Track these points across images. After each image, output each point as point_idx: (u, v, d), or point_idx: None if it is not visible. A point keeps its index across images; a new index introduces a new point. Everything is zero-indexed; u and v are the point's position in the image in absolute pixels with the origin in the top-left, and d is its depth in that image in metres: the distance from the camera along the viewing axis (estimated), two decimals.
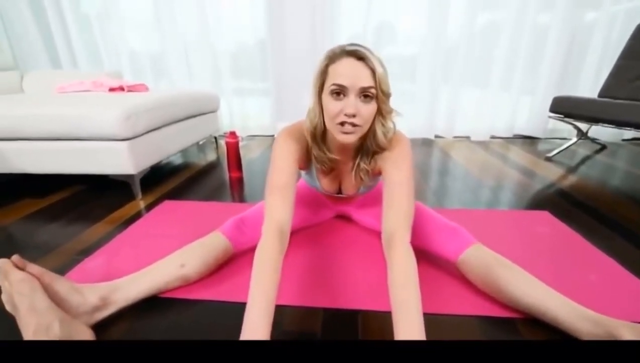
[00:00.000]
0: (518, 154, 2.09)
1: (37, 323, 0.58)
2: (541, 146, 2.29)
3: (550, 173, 1.69)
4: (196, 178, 1.67)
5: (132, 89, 1.76)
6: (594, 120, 1.68)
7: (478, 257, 0.74)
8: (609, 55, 2.15)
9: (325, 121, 0.70)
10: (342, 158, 0.80)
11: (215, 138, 2.29)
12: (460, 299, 0.75)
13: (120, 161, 1.29)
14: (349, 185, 0.88)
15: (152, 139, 1.42)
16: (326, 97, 0.67)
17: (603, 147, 2.20)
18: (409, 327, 0.52)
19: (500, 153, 2.12)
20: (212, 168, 1.84)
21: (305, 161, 0.82)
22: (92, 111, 1.24)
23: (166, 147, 1.55)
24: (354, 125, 0.66)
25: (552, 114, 1.88)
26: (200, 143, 2.32)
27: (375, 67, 0.63)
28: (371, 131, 0.72)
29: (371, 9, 2.29)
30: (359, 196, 0.99)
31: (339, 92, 0.64)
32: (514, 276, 0.70)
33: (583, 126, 1.99)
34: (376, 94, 0.65)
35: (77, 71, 2.46)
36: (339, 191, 0.92)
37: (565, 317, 0.62)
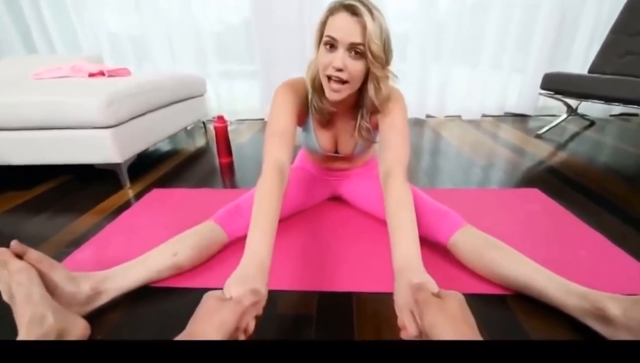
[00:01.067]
0: (509, 132, 2.09)
1: (31, 314, 0.57)
2: (532, 124, 2.30)
3: (541, 150, 1.70)
4: (185, 164, 1.63)
5: (113, 73, 1.69)
6: (583, 96, 1.68)
7: (467, 239, 0.75)
8: (599, 30, 2.14)
9: (320, 75, 0.71)
10: (339, 111, 0.83)
11: (204, 122, 2.24)
12: (452, 278, 0.76)
13: (104, 149, 1.25)
14: (346, 142, 0.89)
15: (137, 126, 1.37)
16: (321, 48, 0.68)
17: (592, 123, 2.22)
18: (404, 245, 0.55)
19: (491, 132, 2.12)
20: (201, 153, 1.81)
21: (303, 115, 0.84)
22: (71, 97, 1.19)
23: (152, 134, 1.51)
24: (341, 81, 0.67)
25: (542, 91, 1.88)
26: (189, 128, 2.28)
27: (367, 24, 0.62)
28: (365, 91, 0.73)
29: None
30: (356, 159, 0.99)
31: (332, 44, 0.65)
32: (503, 256, 0.71)
33: (573, 102, 2.00)
34: (364, 52, 0.64)
35: (54, 55, 2.35)
36: (336, 151, 0.93)
37: (554, 293, 0.64)
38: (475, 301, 0.71)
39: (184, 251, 0.76)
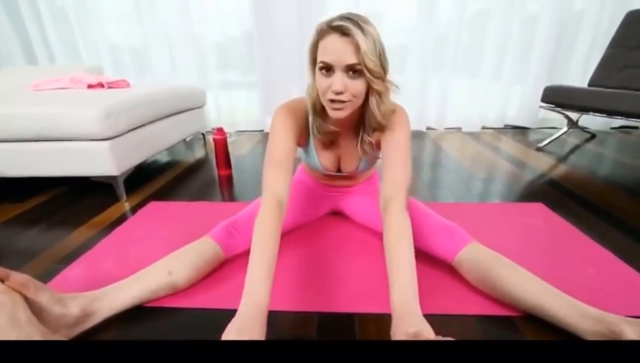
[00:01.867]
0: (509, 145, 2.08)
1: (17, 337, 0.54)
2: (532, 136, 2.30)
3: (542, 163, 1.69)
4: (184, 176, 1.61)
5: (112, 85, 1.68)
6: (584, 109, 1.67)
7: (474, 256, 0.73)
8: (598, 43, 2.15)
9: (320, 97, 0.70)
10: (342, 130, 0.81)
11: (203, 134, 2.23)
12: (458, 298, 0.73)
13: (101, 162, 1.23)
14: (349, 160, 0.87)
15: (134, 138, 1.36)
16: (317, 73, 0.66)
17: (592, 136, 2.21)
18: (402, 286, 0.55)
19: (491, 144, 2.12)
20: (200, 165, 1.79)
21: (304, 136, 0.82)
22: (69, 109, 1.17)
23: (150, 146, 1.49)
24: (342, 101, 0.65)
25: (543, 104, 1.88)
26: (188, 139, 2.26)
27: (359, 44, 0.59)
28: (367, 107, 0.71)
29: (366, 11, 2.24)
30: (358, 177, 0.97)
31: (328, 68, 0.64)
32: (512, 274, 0.68)
33: (573, 115, 2.00)
34: (362, 70, 0.62)
35: (53, 66, 2.35)
36: (338, 170, 0.90)
37: (566, 316, 0.61)
38: (482, 322, 0.69)
39: (179, 270, 0.73)
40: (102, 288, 0.69)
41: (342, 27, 0.60)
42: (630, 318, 0.57)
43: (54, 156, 1.24)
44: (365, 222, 0.99)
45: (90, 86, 1.60)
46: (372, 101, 0.69)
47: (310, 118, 0.78)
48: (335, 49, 0.61)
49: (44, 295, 0.62)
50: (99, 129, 1.17)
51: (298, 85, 2.29)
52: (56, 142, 1.22)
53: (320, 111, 0.75)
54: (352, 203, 1.02)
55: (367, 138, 0.77)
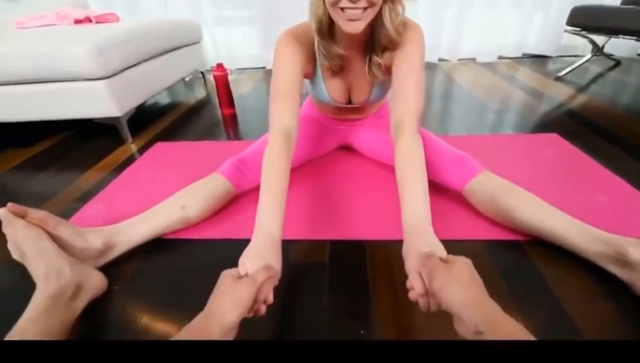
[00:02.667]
0: (526, 75, 1.96)
1: (47, 267, 0.57)
2: (551, 66, 2.15)
3: (560, 93, 1.60)
4: (187, 117, 1.57)
5: (100, 20, 1.56)
6: (615, 32, 1.53)
7: (485, 185, 0.72)
8: None
9: (328, 10, 0.61)
10: (352, 53, 0.74)
11: (202, 73, 2.13)
12: (467, 225, 0.74)
13: (101, 102, 1.19)
14: (360, 89, 0.82)
15: (131, 76, 1.29)
16: None
17: (617, 63, 2.06)
18: (413, 206, 0.54)
19: (507, 75, 1.99)
20: (202, 105, 1.74)
21: (310, 65, 0.76)
22: (58, 47, 1.11)
23: (149, 85, 1.43)
24: (362, 8, 0.57)
25: (568, 28, 1.71)
26: (187, 79, 2.17)
27: None
28: (379, 19, 0.63)
29: None
30: (369, 109, 0.93)
31: None
32: (522, 200, 0.68)
33: (600, 40, 1.83)
34: None
35: (36, 1, 2.17)
36: (348, 102, 0.86)
37: (574, 238, 0.62)
38: (490, 247, 0.70)
39: (192, 205, 0.75)
40: (119, 223, 0.71)
41: None
42: (637, 240, 0.58)
43: (52, 99, 1.21)
44: (375, 155, 0.98)
45: (77, 21, 1.49)
46: (385, 10, 0.61)
47: (316, 42, 0.71)
48: None
49: (65, 229, 0.64)
50: (92, 67, 1.11)
51: (299, 18, 2.09)
52: (51, 83, 1.18)
53: (327, 31, 0.67)
54: (362, 136, 0.99)
55: (376, 59, 0.71)
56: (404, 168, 0.59)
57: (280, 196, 0.57)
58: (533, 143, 1.11)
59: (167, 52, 1.58)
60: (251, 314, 0.44)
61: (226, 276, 0.45)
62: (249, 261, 0.47)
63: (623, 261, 0.56)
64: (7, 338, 0.47)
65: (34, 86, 1.19)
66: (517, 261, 0.65)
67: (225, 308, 0.41)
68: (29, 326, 0.49)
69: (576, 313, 0.55)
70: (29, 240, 0.59)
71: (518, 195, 0.69)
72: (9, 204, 0.61)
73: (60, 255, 0.60)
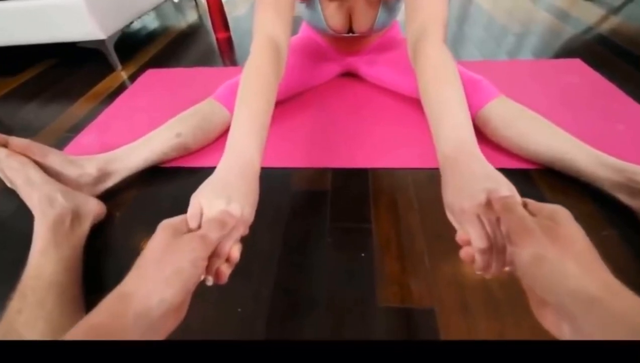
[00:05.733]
0: None
1: (38, 196, 0.57)
2: None
3: (589, 15, 1.43)
4: (178, 42, 1.45)
5: None
6: None
7: (500, 110, 0.67)
8: None
9: None
10: None
11: None
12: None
13: (83, 23, 1.09)
14: (362, 15, 0.72)
15: None
16: None
17: None
18: (453, 125, 0.40)
19: None
20: (194, 30, 1.59)
21: None
22: None
23: (133, 4, 1.29)
24: None
25: None
26: (176, 0, 1.97)
27: None
28: None
29: None
30: (373, 37, 0.85)
31: None
32: (536, 126, 0.65)
33: None
34: None
35: None
36: (349, 30, 0.77)
37: (586, 164, 0.59)
38: None
39: (187, 131, 0.71)
40: (115, 150, 0.69)
41: None
42: None
43: (30, 19, 1.11)
44: (384, 83, 0.91)
45: None
46: None
47: None
48: None
49: (55, 158, 0.62)
50: None
51: None
52: (25, 1, 1.06)
53: None
54: (367, 62, 0.91)
55: None
56: (434, 81, 0.46)
57: (261, 113, 0.44)
58: (553, 69, 1.02)
59: None
60: (210, 280, 0.32)
61: (163, 231, 0.30)
62: (206, 201, 0.33)
63: (636, 189, 0.54)
64: (26, 273, 0.47)
65: (9, 3, 1.07)
66: (523, 190, 0.63)
67: (152, 286, 0.26)
68: (43, 260, 0.49)
69: None
70: (14, 170, 0.58)
71: (533, 120, 0.65)
72: None
73: (49, 183, 0.59)
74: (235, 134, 0.41)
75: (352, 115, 0.86)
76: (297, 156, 0.73)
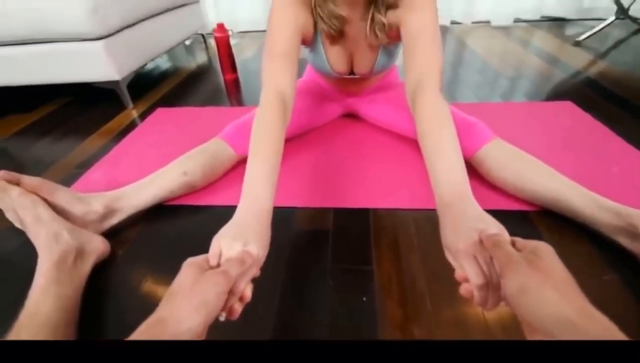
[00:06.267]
0: (543, 40, 1.86)
1: (45, 233, 0.58)
2: (571, 30, 2.02)
3: (578, 60, 1.51)
4: (188, 82, 1.53)
5: None
6: None
7: (497, 152, 0.70)
8: None
9: None
10: (353, 15, 0.69)
11: (203, 36, 2.05)
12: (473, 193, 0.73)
13: (100, 65, 1.16)
14: (362, 58, 0.77)
15: (129, 37, 1.24)
16: None
17: None
18: (448, 169, 0.45)
19: (523, 39, 1.89)
20: (203, 70, 1.68)
21: (309, 29, 0.70)
22: (54, 3, 1.05)
23: (148, 47, 1.37)
24: None
25: None
26: (187, 43, 2.10)
27: None
28: None
29: None
30: (373, 80, 0.89)
31: None
32: (532, 168, 0.66)
33: (625, 1, 1.71)
34: None
35: None
36: (351, 72, 0.81)
37: (585, 208, 0.60)
38: (496, 217, 0.69)
39: (194, 170, 0.74)
40: (122, 188, 0.71)
41: None
42: None
43: (50, 61, 1.17)
44: (383, 124, 0.95)
45: None
46: None
47: (314, 2, 0.66)
48: None
49: (62, 195, 0.64)
50: (89, 25, 1.06)
51: None
52: (48, 44, 1.14)
53: None
54: (370, 102, 0.95)
55: (379, 18, 0.66)
56: (430, 129, 0.51)
57: (271, 161, 0.49)
58: (546, 111, 1.07)
59: (166, 11, 1.51)
60: (223, 316, 0.34)
61: (189, 267, 0.35)
62: (225, 243, 0.38)
63: (635, 233, 0.55)
64: (24, 310, 0.47)
65: (31, 47, 1.15)
66: (523, 232, 0.64)
67: (182, 316, 0.30)
68: (42, 298, 0.49)
69: (579, 284, 0.54)
70: (25, 208, 0.59)
71: (528, 163, 0.67)
72: (2, 172, 0.61)
73: (57, 220, 0.60)
74: (249, 181, 0.47)
75: (353, 155, 0.89)
76: (299, 195, 0.75)
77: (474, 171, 0.75)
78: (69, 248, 0.57)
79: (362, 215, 0.70)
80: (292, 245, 0.64)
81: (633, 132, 0.92)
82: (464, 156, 0.73)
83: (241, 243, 0.38)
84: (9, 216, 0.63)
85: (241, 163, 0.83)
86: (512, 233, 0.64)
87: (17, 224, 0.63)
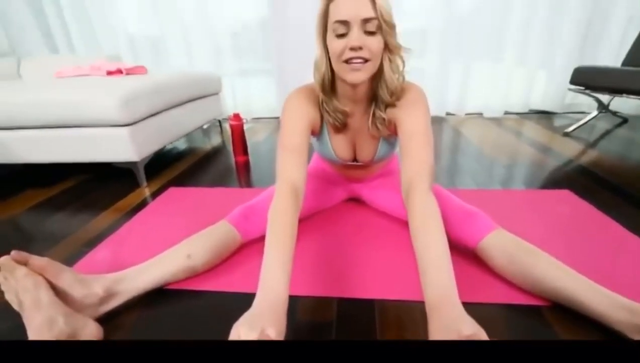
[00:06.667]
0: (534, 131, 2.00)
1: (41, 318, 0.56)
2: (558, 122, 2.19)
3: (569, 149, 1.61)
4: (201, 163, 1.63)
5: (130, 72, 1.70)
6: (618, 91, 1.58)
7: (500, 243, 0.70)
8: (634, 22, 2.01)
9: (333, 64, 0.67)
10: (355, 110, 0.77)
11: (220, 121, 2.24)
12: (481, 286, 0.71)
13: (122, 147, 1.25)
14: (364, 147, 0.84)
15: (153, 124, 1.37)
16: (330, 38, 0.64)
17: (624, 120, 2.09)
18: (435, 273, 0.49)
19: (515, 130, 2.03)
20: (217, 152, 1.80)
21: (317, 122, 0.79)
22: (89, 96, 1.19)
23: (169, 132, 1.50)
24: (362, 60, 0.63)
25: (572, 86, 1.78)
26: (205, 126, 2.28)
27: None
28: (380, 73, 0.69)
29: None
30: (375, 167, 0.94)
31: (342, 32, 0.62)
32: (539, 262, 0.65)
33: (605, 98, 1.89)
34: (379, 25, 0.61)
35: (75, 55, 2.40)
36: (354, 159, 0.88)
37: (598, 306, 0.58)
38: (507, 311, 0.66)
39: (198, 253, 0.74)
40: (124, 270, 0.71)
41: None
42: None
43: (77, 143, 1.27)
44: (385, 209, 0.98)
45: (109, 73, 1.63)
46: (386, 63, 0.67)
47: (320, 98, 0.75)
48: (350, 4, 0.60)
49: (65, 277, 0.63)
50: (118, 115, 1.18)
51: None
52: (78, 128, 1.25)
53: (329, 88, 0.72)
54: (371, 190, 1.00)
55: (379, 113, 0.74)
56: (420, 230, 0.56)
57: (286, 251, 0.54)
58: (545, 200, 1.10)
59: (188, 101, 1.69)
60: None
61: None
62: (244, 331, 0.41)
63: None
64: None
65: (62, 131, 1.26)
66: (537, 329, 0.61)
67: None
68: None
69: None
70: (27, 291, 0.59)
71: (535, 255, 0.67)
72: (13, 253, 0.62)
73: (55, 305, 0.59)
74: (266, 272, 0.51)
75: (357, 241, 0.90)
76: (301, 283, 0.74)
77: (479, 261, 0.75)
78: (61, 335, 0.55)
79: (366, 306, 0.68)
80: (294, 337, 0.61)
81: (630, 219, 0.94)
82: (467, 246, 0.74)
83: (258, 331, 0.41)
84: (9, 297, 0.62)
85: (244, 247, 0.84)
86: (524, 328, 0.62)
87: (15, 307, 0.62)
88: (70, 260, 0.86)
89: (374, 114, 0.75)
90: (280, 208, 0.60)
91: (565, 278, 0.62)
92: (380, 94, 0.71)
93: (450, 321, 0.42)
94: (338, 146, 0.84)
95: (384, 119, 0.74)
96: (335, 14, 0.61)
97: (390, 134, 0.79)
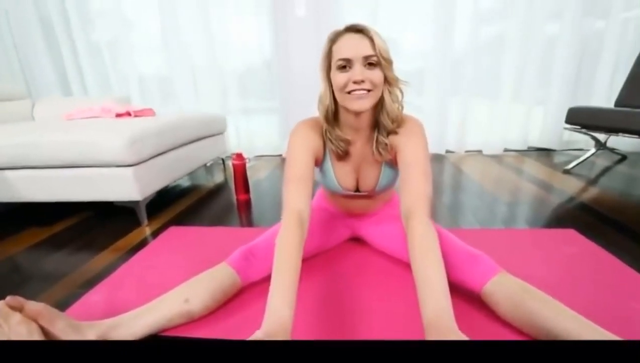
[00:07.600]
0: (534, 168, 2.01)
1: None
2: (558, 158, 2.22)
3: (570, 186, 1.61)
4: (203, 200, 1.64)
5: (139, 114, 1.76)
6: (612, 130, 1.61)
7: (504, 287, 0.68)
8: (623, 61, 2.10)
9: (337, 96, 0.73)
10: (356, 137, 0.81)
11: (223, 159, 2.28)
12: (487, 331, 0.68)
13: (125, 187, 1.27)
14: (367, 176, 0.86)
15: (158, 163, 1.40)
16: (334, 73, 0.71)
17: (623, 157, 2.11)
18: (433, 298, 0.52)
19: (515, 167, 2.05)
20: (219, 190, 1.82)
21: (321, 152, 0.83)
22: (97, 137, 1.23)
23: (172, 171, 1.53)
24: (365, 90, 0.69)
25: (568, 126, 1.82)
26: (208, 164, 2.32)
27: (373, 37, 0.67)
28: (381, 103, 0.74)
29: (375, 27, 2.30)
30: (378, 198, 0.95)
31: (345, 65, 0.69)
32: (546, 308, 0.63)
33: (601, 136, 1.92)
34: (379, 61, 0.68)
35: (86, 97, 2.51)
36: (357, 189, 0.90)
37: None
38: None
39: (195, 298, 0.72)
40: (119, 315, 0.69)
41: (355, 26, 0.69)
42: None
43: (80, 182, 1.29)
44: (387, 249, 0.96)
45: (118, 115, 1.69)
46: (386, 93, 0.73)
47: (324, 128, 0.80)
48: (352, 44, 0.68)
49: (60, 323, 0.62)
50: (124, 155, 1.21)
51: (316, 110, 2.33)
52: (83, 168, 1.28)
53: (332, 118, 0.78)
54: (373, 228, 0.99)
55: (382, 139, 0.78)
56: (419, 257, 0.59)
57: (292, 280, 0.57)
58: (550, 239, 1.08)
59: (193, 141, 1.73)
60: None
61: None
62: None
63: None
64: None
65: (66, 170, 1.29)
66: None
67: None
68: None
69: None
70: (20, 337, 0.57)
71: (542, 301, 0.64)
72: (8, 298, 0.61)
73: None
74: (272, 300, 0.54)
75: (358, 282, 0.88)
76: (304, 328, 0.71)
77: (483, 306, 0.72)
78: None
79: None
80: None
81: (635, 257, 0.91)
82: (471, 290, 0.72)
83: None
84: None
85: (243, 290, 0.82)
86: None
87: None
88: (65, 302, 0.84)
89: (377, 140, 0.79)
90: (287, 237, 0.64)
91: (573, 325, 0.59)
92: (382, 120, 0.76)
93: (446, 337, 0.46)
94: (341, 174, 0.87)
95: (386, 144, 0.78)
96: (339, 53, 0.69)
97: (392, 159, 0.82)
